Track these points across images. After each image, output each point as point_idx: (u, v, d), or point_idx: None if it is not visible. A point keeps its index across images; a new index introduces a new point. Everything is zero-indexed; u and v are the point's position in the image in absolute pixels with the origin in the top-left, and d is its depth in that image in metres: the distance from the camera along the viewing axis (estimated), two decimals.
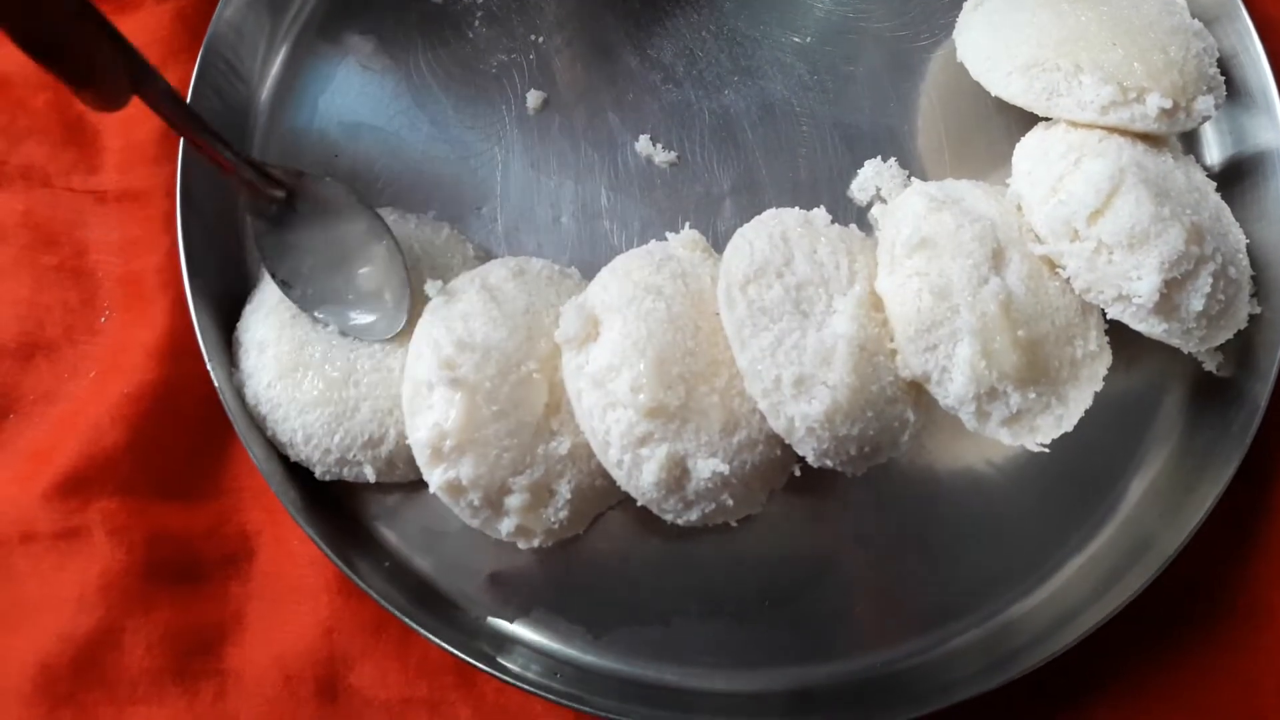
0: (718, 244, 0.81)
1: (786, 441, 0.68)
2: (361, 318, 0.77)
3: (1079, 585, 0.78)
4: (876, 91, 0.89)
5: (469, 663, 0.72)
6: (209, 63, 0.83)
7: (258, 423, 0.75)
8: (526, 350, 0.72)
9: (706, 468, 0.67)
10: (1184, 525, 0.76)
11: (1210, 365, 0.79)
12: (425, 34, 0.91)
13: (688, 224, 0.81)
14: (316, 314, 0.76)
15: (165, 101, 0.68)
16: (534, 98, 0.88)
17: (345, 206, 0.78)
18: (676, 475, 0.67)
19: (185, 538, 0.79)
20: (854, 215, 0.85)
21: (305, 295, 0.77)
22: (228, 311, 0.79)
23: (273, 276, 0.76)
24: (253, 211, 0.77)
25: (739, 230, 0.74)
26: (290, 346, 0.75)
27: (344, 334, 0.76)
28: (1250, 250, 0.78)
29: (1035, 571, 0.79)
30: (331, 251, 0.78)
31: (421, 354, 0.71)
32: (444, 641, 0.72)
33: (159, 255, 0.83)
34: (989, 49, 0.80)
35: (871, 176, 0.85)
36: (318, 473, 0.76)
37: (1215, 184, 0.79)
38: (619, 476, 0.69)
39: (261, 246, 0.77)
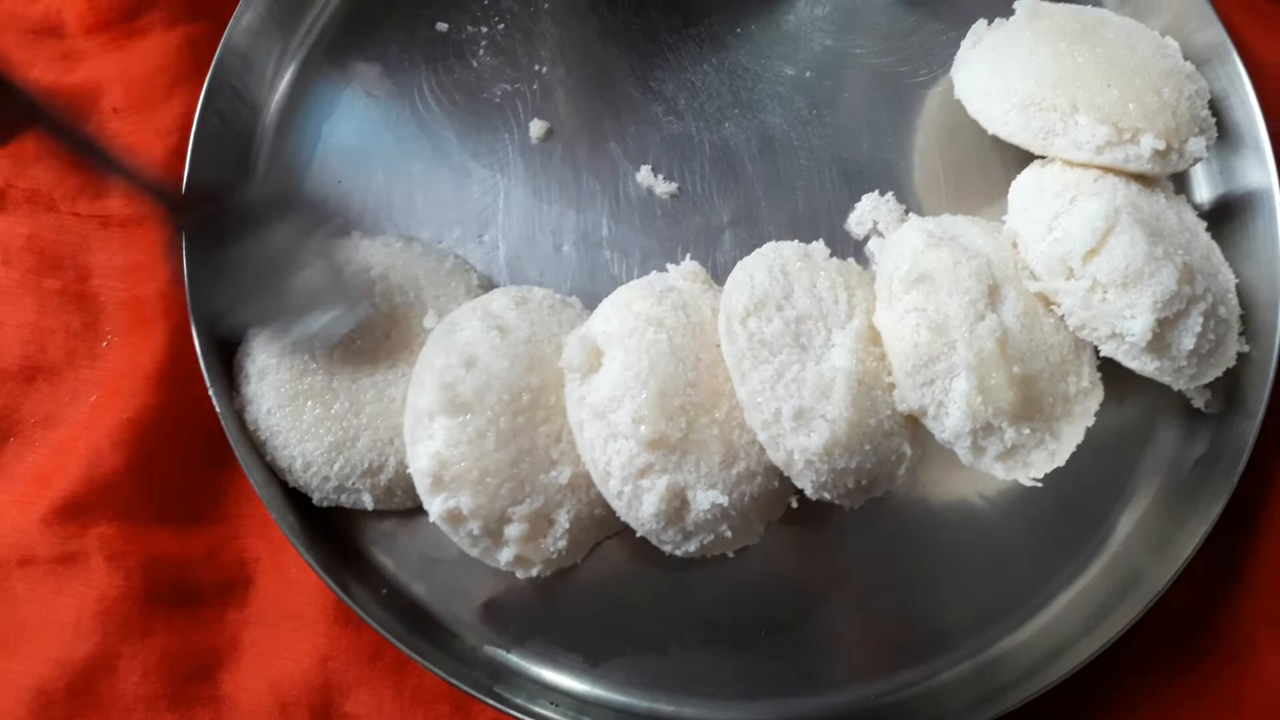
0: (717, 275, 0.82)
1: (785, 474, 0.69)
2: (313, 322, 0.76)
3: (1069, 619, 0.79)
4: (874, 126, 0.90)
5: (465, 691, 0.72)
6: (215, 90, 0.84)
7: (257, 449, 0.76)
8: (528, 380, 0.72)
9: (706, 499, 0.68)
10: (1173, 561, 0.76)
11: (1199, 403, 0.80)
12: (430, 62, 0.92)
13: (688, 255, 0.83)
14: (262, 333, 0.76)
15: (60, 134, 0.67)
16: (537, 127, 0.89)
17: (271, 214, 0.76)
18: (676, 507, 0.68)
19: (184, 564, 0.79)
20: (852, 249, 0.86)
21: (248, 316, 0.76)
22: (229, 337, 0.79)
23: (214, 310, 0.76)
24: (185, 235, 0.76)
25: (739, 263, 0.75)
26: (291, 374, 0.75)
27: (299, 345, 0.75)
28: (1239, 290, 0.79)
29: (1026, 604, 0.80)
30: (264, 263, 0.76)
31: (424, 383, 0.71)
32: (440, 669, 0.73)
33: (162, 281, 0.84)
34: (986, 87, 0.81)
35: (869, 210, 0.86)
36: (315, 499, 0.76)
37: (1205, 224, 0.80)
38: (619, 507, 0.69)
39: (194, 278, 0.76)
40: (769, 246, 0.76)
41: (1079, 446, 0.72)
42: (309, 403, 0.74)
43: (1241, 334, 0.79)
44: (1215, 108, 0.83)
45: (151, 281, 0.84)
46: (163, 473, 0.80)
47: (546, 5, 0.93)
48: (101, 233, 0.86)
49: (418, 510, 0.74)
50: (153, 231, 0.86)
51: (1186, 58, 0.84)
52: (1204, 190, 0.88)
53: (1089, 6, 0.87)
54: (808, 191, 0.88)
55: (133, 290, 0.84)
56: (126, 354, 0.83)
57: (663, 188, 0.88)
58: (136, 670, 0.75)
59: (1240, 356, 0.78)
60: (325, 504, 0.76)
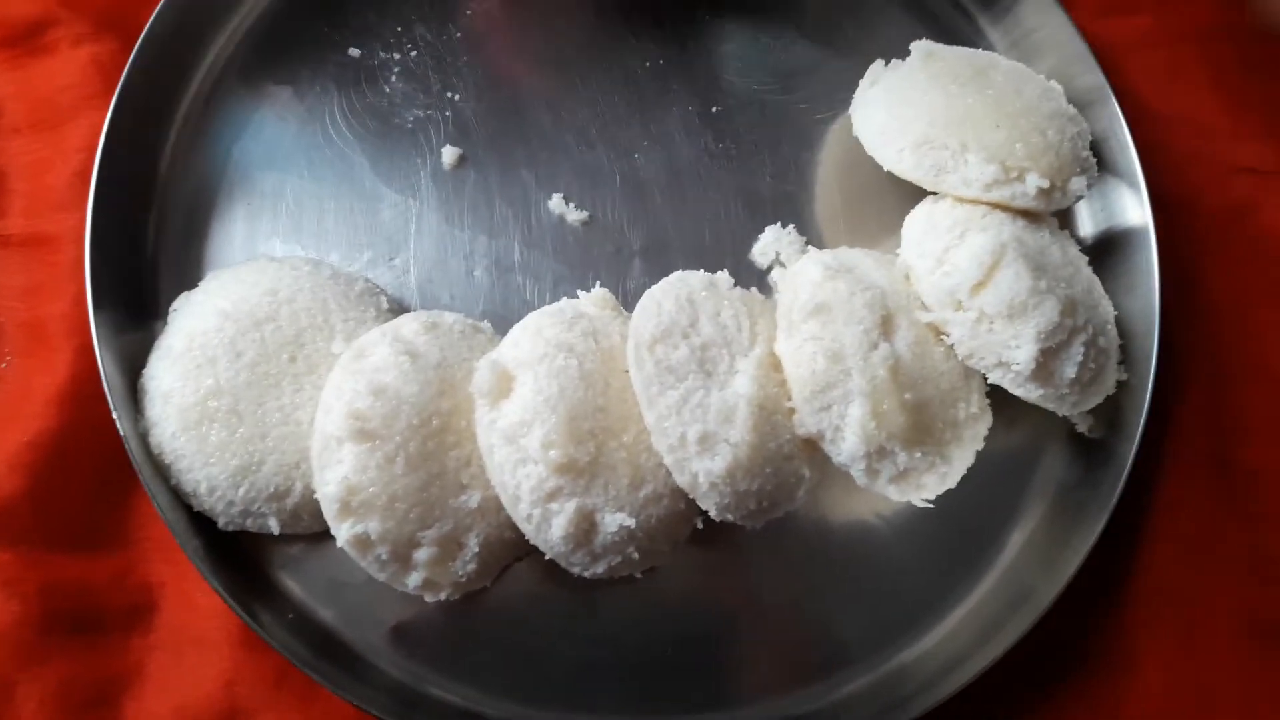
0: (627, 301, 0.84)
1: (690, 496, 0.71)
2: None
3: (964, 633, 0.82)
4: (777, 160, 0.93)
5: (373, 715, 0.73)
6: (122, 109, 0.83)
7: (162, 472, 0.75)
8: (438, 405, 0.73)
9: (614, 522, 0.69)
10: (1060, 577, 0.80)
11: (1083, 427, 0.85)
12: (341, 86, 0.92)
13: (599, 282, 0.84)
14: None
15: None
16: (449, 154, 0.90)
17: None
18: (585, 529, 0.69)
19: (85, 589, 0.77)
20: (756, 278, 0.89)
21: None
22: (134, 359, 0.79)
23: None
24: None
25: (648, 291, 0.77)
26: (195, 398, 0.74)
27: None
28: (1118, 321, 0.84)
29: (923, 619, 0.83)
30: None
31: (331, 408, 0.71)
32: (348, 695, 0.73)
33: (64, 302, 0.82)
34: (883, 126, 0.84)
35: (771, 241, 0.89)
36: (221, 523, 0.76)
37: (1087, 258, 0.85)
38: (528, 530, 0.70)
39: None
40: (676, 276, 0.78)
41: (969, 469, 0.76)
42: (214, 426, 0.74)
43: (1121, 363, 0.83)
44: (1096, 148, 0.88)
45: (53, 302, 0.83)
46: (64, 497, 0.78)
47: (459, 34, 0.94)
48: (1, 252, 0.85)
49: (325, 534, 0.74)
50: (54, 252, 0.84)
51: (1070, 101, 0.88)
52: (1087, 226, 0.92)
53: (980, 50, 0.91)
54: (714, 222, 0.91)
55: (33, 311, 0.83)
56: (26, 376, 0.81)
57: (574, 215, 0.89)
58: (33, 697, 0.73)
59: (1120, 384, 0.82)
60: (231, 528, 0.76)
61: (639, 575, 0.74)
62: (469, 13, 0.95)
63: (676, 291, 0.76)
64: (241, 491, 0.74)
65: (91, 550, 0.79)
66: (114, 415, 0.74)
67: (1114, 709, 0.84)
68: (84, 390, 0.80)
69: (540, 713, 0.78)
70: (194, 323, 0.77)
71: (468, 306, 0.86)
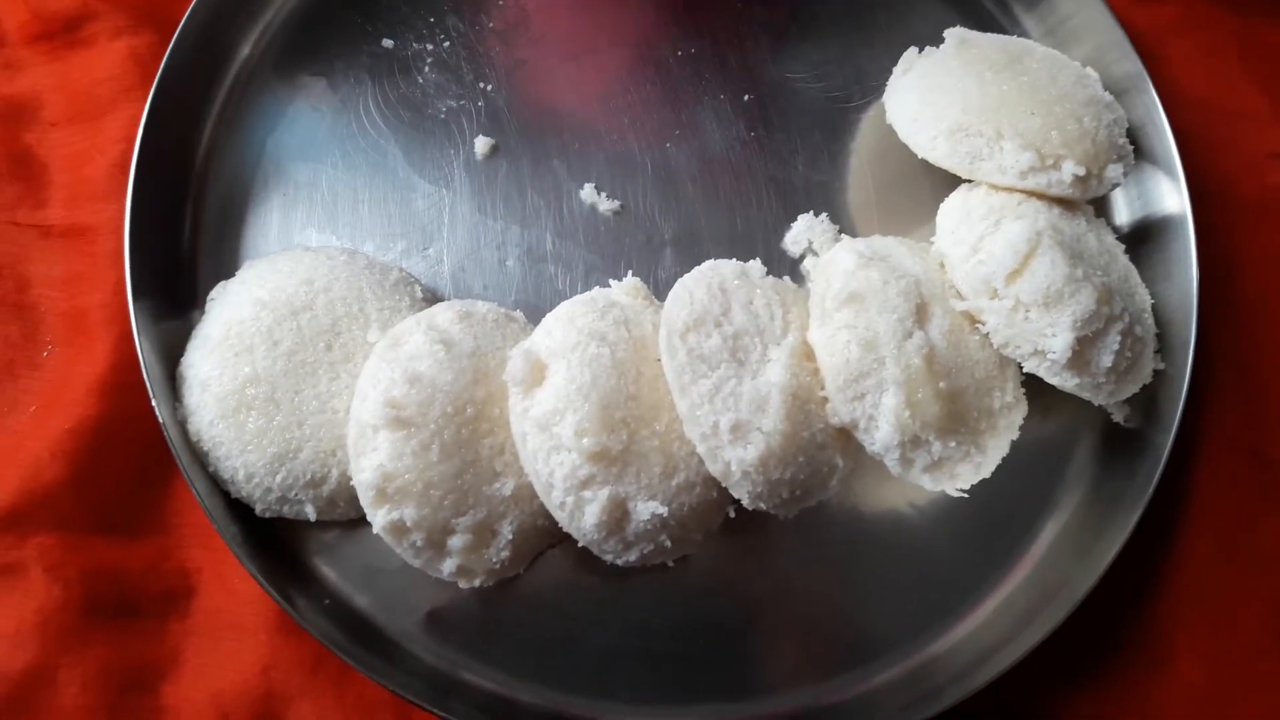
0: (658, 290, 0.84)
1: (723, 485, 0.71)
2: None
3: (997, 624, 0.82)
4: (809, 149, 0.93)
5: (407, 700, 0.73)
6: (160, 101, 0.84)
7: (200, 460, 0.76)
8: (472, 393, 0.73)
9: (646, 510, 0.69)
10: (1095, 567, 0.80)
11: (1118, 416, 0.84)
12: (375, 77, 0.93)
13: (630, 271, 0.84)
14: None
15: None
16: (482, 144, 0.90)
17: None
18: (617, 517, 0.69)
19: (125, 574, 0.79)
20: (787, 267, 0.89)
21: None
22: (172, 348, 0.80)
23: None
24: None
25: (680, 280, 0.77)
26: (233, 386, 0.75)
27: None
28: (1155, 309, 0.83)
29: (955, 610, 0.83)
30: None
31: (367, 396, 0.72)
32: (382, 679, 0.73)
33: (104, 291, 0.84)
34: (916, 113, 0.84)
35: (804, 230, 0.89)
36: (258, 510, 0.77)
37: (1124, 246, 0.84)
38: (561, 518, 0.71)
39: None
40: (708, 264, 0.78)
41: (1004, 458, 0.75)
42: (251, 414, 0.75)
43: (1157, 352, 0.82)
44: (1133, 136, 0.87)
45: (93, 292, 0.84)
46: (104, 483, 0.80)
47: (491, 24, 0.94)
48: (41, 243, 0.86)
49: (361, 521, 0.75)
50: (93, 242, 0.86)
51: (1106, 88, 0.88)
52: (1123, 214, 0.92)
53: (1014, 37, 0.91)
54: (745, 211, 0.91)
55: (73, 300, 0.84)
56: (67, 364, 0.82)
57: (606, 205, 0.90)
58: (75, 682, 0.75)
59: (1156, 373, 0.82)
60: (268, 515, 0.77)
61: (671, 563, 0.74)
62: (501, 3, 0.95)
63: (709, 280, 0.76)
64: (279, 478, 0.75)
65: (131, 536, 0.80)
66: (153, 403, 0.75)
67: (1147, 701, 0.83)
68: (123, 379, 0.81)
69: (571, 699, 0.79)
70: (231, 312, 0.78)
71: (500, 296, 0.87)
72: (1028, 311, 0.74)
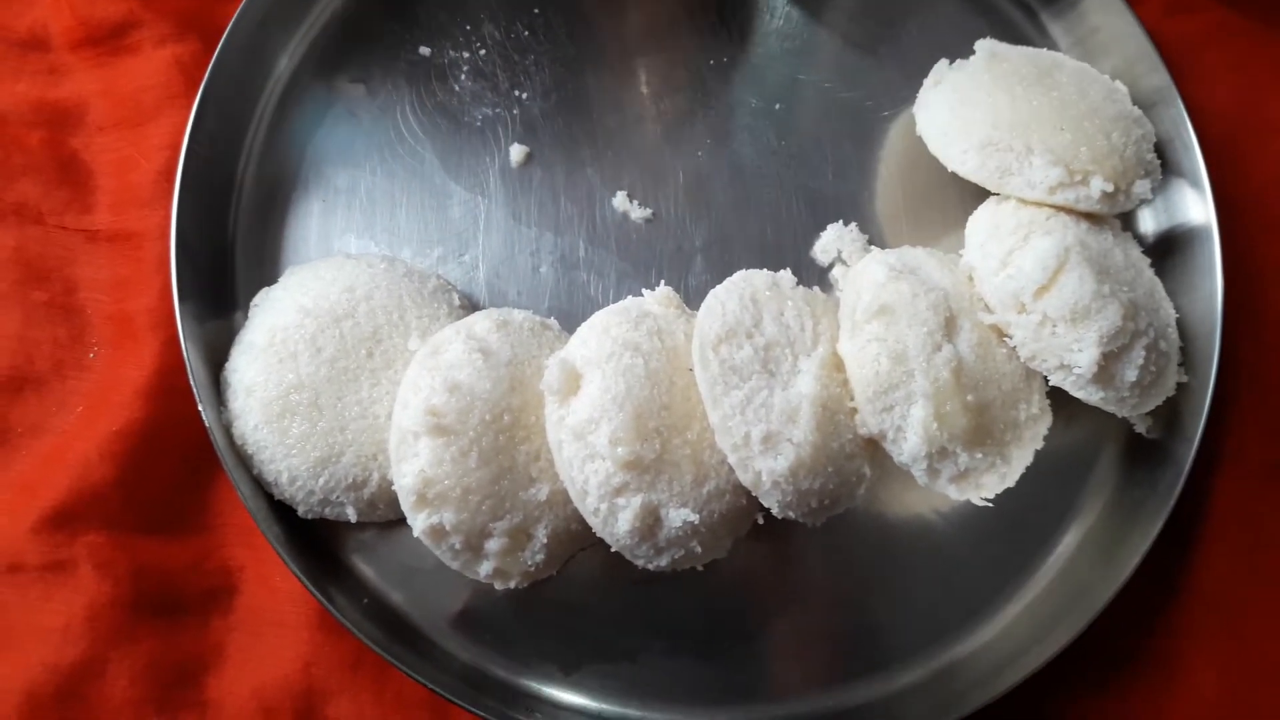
0: (689, 298, 0.85)
1: (753, 494, 0.73)
2: None
3: (1019, 630, 0.83)
4: (839, 158, 0.94)
5: (443, 697, 0.76)
6: (204, 109, 0.86)
7: (245, 462, 0.78)
8: (510, 401, 0.75)
9: (678, 517, 0.71)
10: (1116, 577, 0.81)
11: (1141, 428, 0.85)
12: (412, 85, 0.94)
13: (661, 279, 0.86)
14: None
15: None
16: (517, 152, 0.92)
17: None
18: (650, 524, 0.71)
19: (170, 572, 0.81)
20: (816, 276, 0.90)
21: None
22: (216, 352, 0.82)
23: None
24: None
25: (712, 291, 0.78)
26: (277, 391, 0.77)
27: None
28: (1179, 323, 0.84)
29: (979, 615, 0.84)
30: None
31: (408, 403, 0.74)
32: (419, 676, 0.76)
33: (149, 296, 0.85)
34: (946, 126, 0.85)
35: (833, 239, 0.90)
36: (300, 511, 0.79)
37: (1149, 259, 0.85)
38: (595, 524, 0.72)
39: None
40: (740, 275, 0.80)
41: (1028, 467, 0.76)
42: (295, 419, 0.77)
43: (1181, 365, 0.83)
44: (1160, 148, 0.88)
45: (139, 296, 0.86)
46: (151, 484, 0.82)
47: (527, 33, 0.96)
48: (88, 246, 0.88)
49: (398, 521, 0.77)
50: (138, 248, 0.88)
51: (1134, 100, 0.88)
52: (1149, 223, 0.92)
53: (1044, 50, 0.91)
54: (775, 219, 0.92)
55: (119, 304, 0.86)
56: (113, 367, 0.84)
57: (638, 213, 0.91)
58: (124, 675, 0.77)
59: (1179, 386, 0.82)
60: (310, 516, 0.79)
61: (700, 568, 0.75)
62: (536, 11, 0.96)
63: (740, 291, 0.77)
64: (321, 482, 0.77)
65: (176, 535, 0.82)
66: (200, 408, 0.77)
67: (1166, 710, 0.85)
68: (169, 383, 0.83)
69: (599, 698, 0.81)
70: (275, 318, 0.80)
71: (534, 302, 0.88)
72: (1055, 326, 0.75)
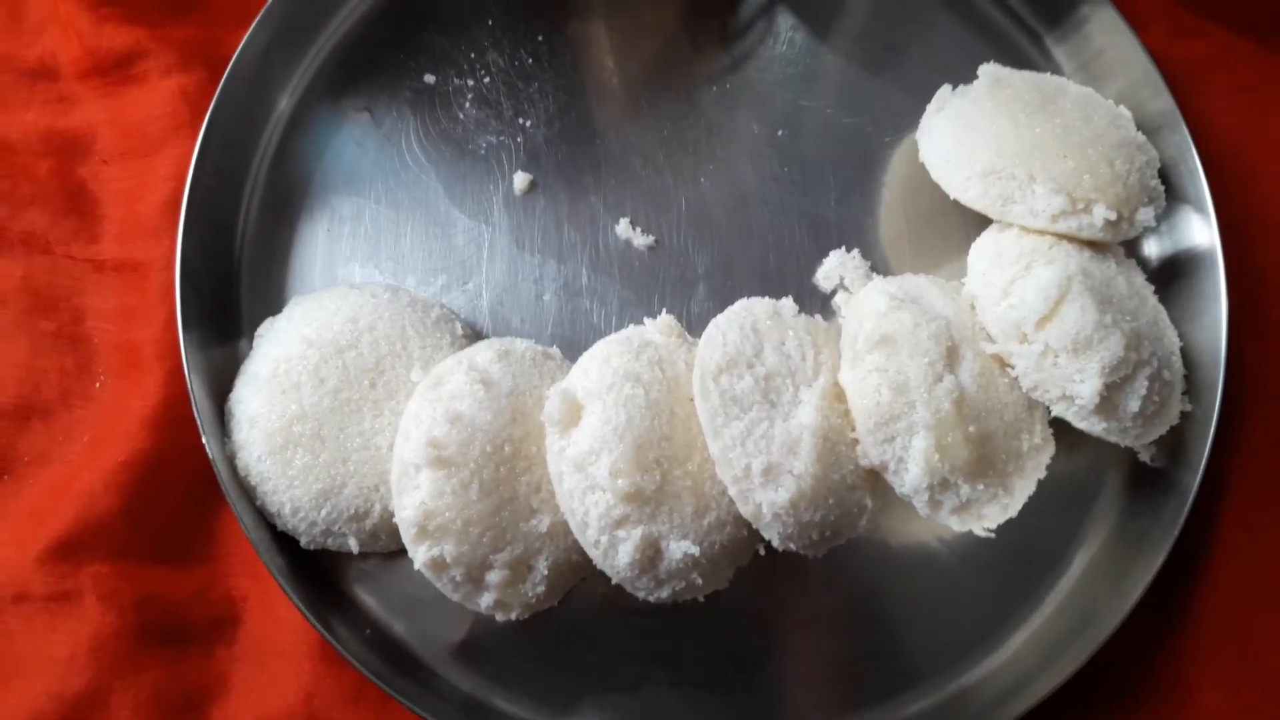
0: (692, 325, 0.86)
1: (754, 526, 0.72)
2: None
3: (1025, 658, 0.83)
4: (842, 184, 0.93)
5: None
6: (209, 140, 0.86)
7: (248, 494, 0.78)
8: (511, 432, 0.75)
9: (679, 549, 0.71)
10: (1122, 604, 0.81)
11: (1145, 456, 0.85)
12: (417, 112, 0.95)
13: (664, 307, 0.86)
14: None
15: None
16: (521, 179, 0.92)
17: None
18: (650, 556, 0.71)
19: (174, 602, 0.81)
20: (819, 302, 0.90)
21: None
22: (220, 383, 0.82)
23: None
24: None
25: (713, 320, 0.78)
26: (281, 423, 0.77)
27: None
28: (1183, 350, 0.83)
29: (984, 643, 0.84)
30: None
31: (410, 435, 0.74)
32: (421, 708, 0.76)
33: (155, 326, 0.86)
34: (949, 153, 0.85)
35: (836, 266, 0.90)
36: (303, 542, 0.79)
37: (1153, 287, 0.84)
38: (595, 556, 0.72)
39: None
40: (741, 304, 0.80)
41: (1032, 496, 0.76)
42: (298, 450, 0.77)
43: (1185, 393, 0.83)
44: (1164, 173, 0.87)
45: (145, 326, 0.86)
46: (155, 515, 0.82)
47: (530, 61, 0.96)
48: (95, 276, 0.89)
49: (400, 551, 0.77)
50: (144, 278, 0.88)
51: (1138, 125, 0.88)
52: (1153, 248, 0.92)
53: (1048, 74, 0.91)
54: (778, 246, 0.92)
55: (125, 334, 0.87)
56: (119, 396, 0.85)
57: (640, 240, 0.91)
58: (128, 705, 0.77)
59: (1183, 415, 0.82)
60: (313, 547, 0.79)
61: (702, 599, 0.75)
62: (540, 39, 0.96)
63: (741, 321, 0.77)
64: (323, 513, 0.77)
65: (180, 565, 0.83)
66: (204, 439, 0.78)
67: None
68: (174, 413, 0.83)
69: None
70: (279, 349, 0.80)
71: (537, 329, 0.89)
72: (1057, 357, 0.75)
